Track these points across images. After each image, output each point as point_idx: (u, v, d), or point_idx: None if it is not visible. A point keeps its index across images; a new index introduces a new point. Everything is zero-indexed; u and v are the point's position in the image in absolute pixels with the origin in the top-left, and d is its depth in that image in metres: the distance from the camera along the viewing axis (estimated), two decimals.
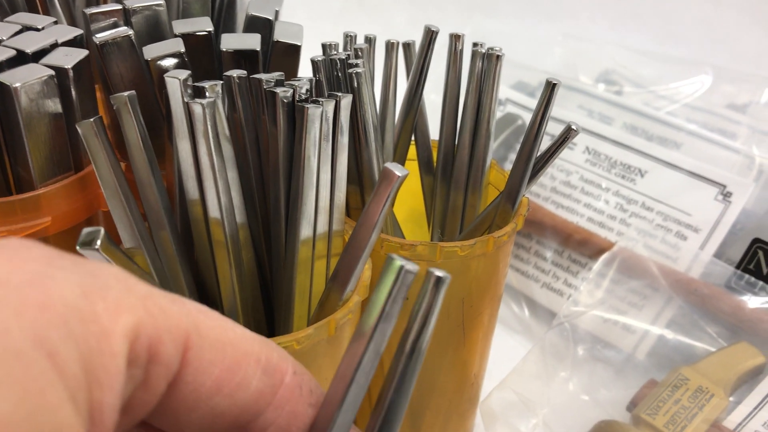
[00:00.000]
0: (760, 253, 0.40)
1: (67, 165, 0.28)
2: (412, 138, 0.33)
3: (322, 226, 0.24)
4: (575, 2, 0.62)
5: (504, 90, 0.53)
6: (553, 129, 0.48)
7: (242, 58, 0.27)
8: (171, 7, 0.31)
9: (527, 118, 0.51)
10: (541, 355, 0.37)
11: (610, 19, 0.61)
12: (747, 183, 0.42)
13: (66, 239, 0.28)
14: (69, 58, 0.27)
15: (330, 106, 0.23)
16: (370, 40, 0.31)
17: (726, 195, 0.42)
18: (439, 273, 0.14)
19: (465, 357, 0.33)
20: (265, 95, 0.23)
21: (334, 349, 0.24)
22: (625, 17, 0.61)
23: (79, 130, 0.22)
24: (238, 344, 0.14)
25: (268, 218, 0.26)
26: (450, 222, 0.33)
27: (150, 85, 0.27)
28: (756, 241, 0.41)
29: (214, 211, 0.23)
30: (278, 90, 0.23)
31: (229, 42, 0.27)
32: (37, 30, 0.28)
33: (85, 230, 0.18)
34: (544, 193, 0.48)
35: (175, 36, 0.28)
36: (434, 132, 0.33)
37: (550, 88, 0.27)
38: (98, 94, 0.30)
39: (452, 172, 0.32)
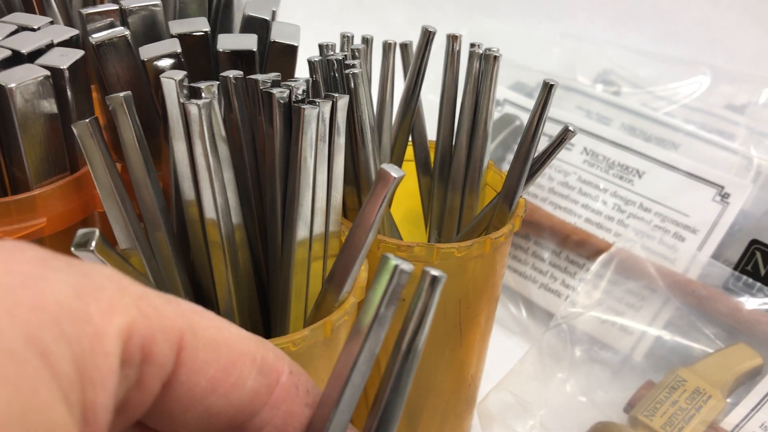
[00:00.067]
0: (758, 255, 0.40)
1: (62, 166, 0.28)
2: (410, 139, 0.33)
3: (319, 227, 0.24)
4: (574, 2, 0.62)
5: (502, 90, 0.53)
6: (551, 130, 0.48)
7: (239, 58, 0.27)
8: (168, 8, 0.31)
9: (525, 118, 0.51)
10: (538, 356, 0.37)
11: (608, 19, 0.61)
12: (745, 184, 0.42)
13: (61, 240, 0.28)
14: (65, 58, 0.27)
15: (327, 107, 0.23)
16: (367, 41, 0.31)
17: (724, 196, 0.42)
18: (434, 272, 0.14)
19: (462, 358, 0.33)
20: (261, 96, 0.23)
21: (331, 350, 0.24)
22: (623, 17, 0.60)
23: (74, 131, 0.22)
24: (233, 344, 0.14)
25: (265, 219, 0.26)
26: (447, 223, 0.32)
27: (146, 85, 0.27)
28: (754, 242, 0.41)
29: (210, 212, 0.23)
30: (275, 90, 0.23)
31: (226, 42, 0.27)
32: (33, 30, 0.28)
33: (80, 231, 0.18)
34: (542, 193, 0.48)
35: (172, 36, 0.27)
36: (431, 133, 0.33)
37: (547, 89, 0.27)
38: (94, 95, 0.30)
39: (449, 173, 0.32)
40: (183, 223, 0.24)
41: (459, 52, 0.30)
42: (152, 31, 0.29)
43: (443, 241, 0.33)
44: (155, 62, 0.26)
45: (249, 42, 0.28)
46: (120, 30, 0.27)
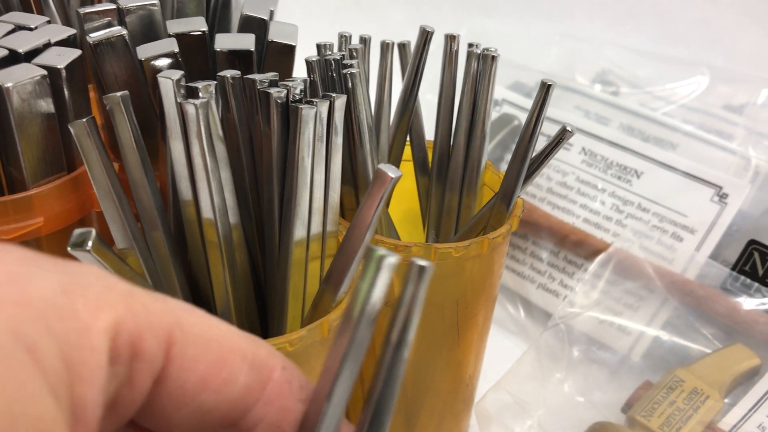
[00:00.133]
0: (756, 255, 0.40)
1: (59, 165, 0.28)
2: (408, 138, 0.33)
3: (316, 227, 0.24)
4: (572, 2, 0.62)
5: (500, 90, 0.53)
6: (549, 130, 0.48)
7: (236, 58, 0.27)
8: (165, 7, 0.31)
9: (524, 118, 0.51)
10: (536, 356, 0.37)
11: (607, 19, 0.61)
12: (743, 184, 0.42)
13: (58, 240, 0.27)
14: (62, 57, 0.27)
15: (324, 107, 0.23)
16: (365, 41, 0.31)
17: (722, 196, 0.42)
18: (421, 262, 0.14)
19: (460, 358, 0.33)
20: (258, 95, 0.23)
21: (327, 350, 0.24)
22: (622, 17, 0.60)
23: (71, 130, 0.22)
24: (222, 340, 0.14)
25: (262, 219, 0.26)
26: (445, 223, 0.32)
27: (144, 85, 0.27)
28: (752, 242, 0.41)
29: (207, 212, 0.23)
30: (272, 90, 0.23)
31: (224, 42, 0.27)
32: (30, 29, 0.28)
33: (77, 231, 0.18)
34: (540, 193, 0.48)
35: (170, 36, 0.27)
36: (429, 133, 0.33)
37: (545, 89, 0.27)
38: (92, 94, 0.30)
39: (447, 173, 0.32)
40: (180, 223, 0.24)
41: (457, 51, 0.30)
42: (150, 30, 0.29)
43: (441, 241, 0.33)
44: (153, 62, 0.26)
45: (246, 42, 0.27)
46: (117, 29, 0.27)
